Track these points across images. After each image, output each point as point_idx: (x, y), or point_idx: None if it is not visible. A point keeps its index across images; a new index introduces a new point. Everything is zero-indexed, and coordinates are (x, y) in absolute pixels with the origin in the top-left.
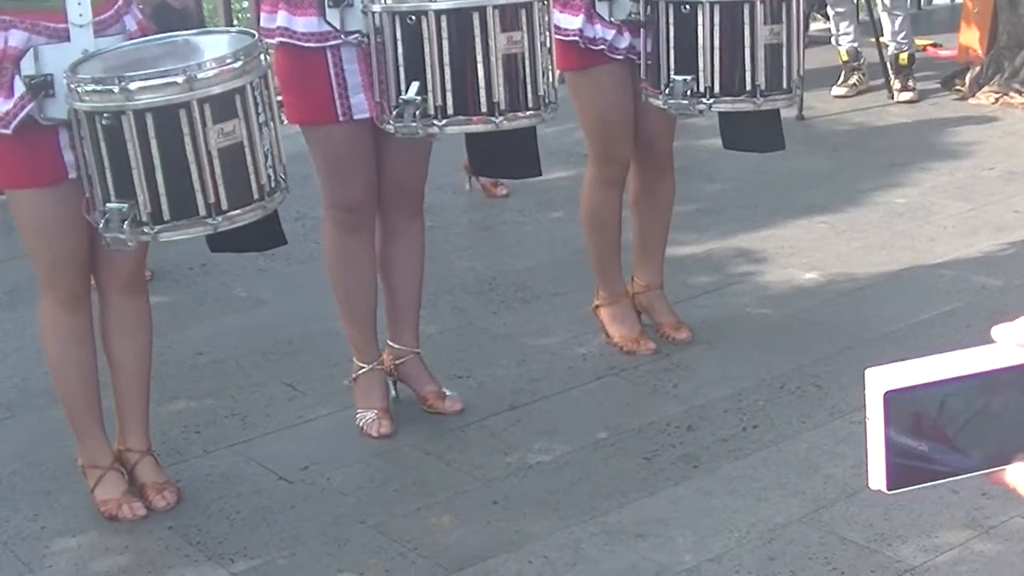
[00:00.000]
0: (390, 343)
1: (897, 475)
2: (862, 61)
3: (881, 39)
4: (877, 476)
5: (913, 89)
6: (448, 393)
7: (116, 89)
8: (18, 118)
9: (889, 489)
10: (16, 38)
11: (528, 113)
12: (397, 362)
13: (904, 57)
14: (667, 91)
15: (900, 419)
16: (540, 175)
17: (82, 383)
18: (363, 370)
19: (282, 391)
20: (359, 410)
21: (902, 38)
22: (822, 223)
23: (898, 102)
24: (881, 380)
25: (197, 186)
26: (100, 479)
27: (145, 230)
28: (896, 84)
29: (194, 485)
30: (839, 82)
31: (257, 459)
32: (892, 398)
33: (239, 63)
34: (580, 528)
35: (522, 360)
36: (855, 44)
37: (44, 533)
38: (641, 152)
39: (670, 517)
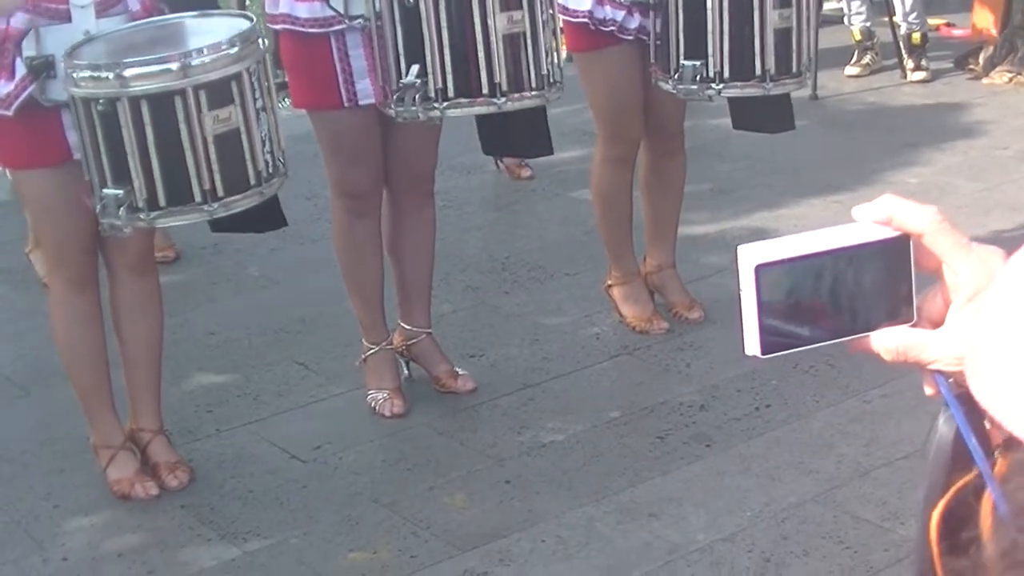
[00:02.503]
0: (401, 323)
1: (769, 342)
2: (875, 40)
3: (894, 18)
4: (752, 343)
5: (926, 69)
6: (461, 372)
7: (111, 76)
8: (19, 100)
9: (763, 354)
10: (18, 19)
11: (532, 93)
12: (409, 342)
13: (917, 36)
14: (676, 76)
15: (770, 290)
16: (552, 153)
17: (91, 363)
18: (372, 351)
19: (295, 370)
20: (370, 390)
21: (914, 18)
22: (835, 202)
23: (911, 81)
24: (752, 255)
25: (192, 173)
26: (112, 459)
27: (141, 216)
28: (909, 64)
29: (207, 464)
30: (852, 61)
31: (270, 438)
32: (762, 271)
33: (235, 49)
34: (593, 507)
35: (535, 339)
36: (868, 23)
37: (57, 512)
38: (652, 132)
39: (683, 496)
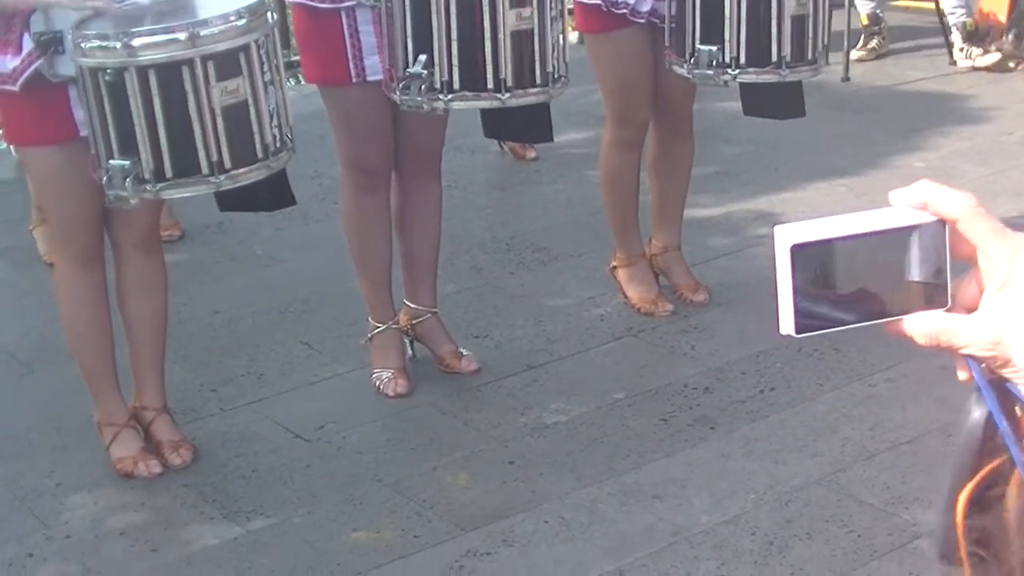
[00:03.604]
0: (407, 303)
1: (803, 322)
2: (882, 25)
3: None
4: (786, 322)
5: (994, 51)
6: (465, 353)
7: (119, 45)
8: (25, 75)
9: (797, 333)
10: None
11: (535, 90)
12: (414, 322)
13: (971, 23)
14: (692, 60)
15: (805, 270)
16: (551, 140)
17: (96, 341)
18: (379, 329)
19: (299, 350)
20: (375, 369)
21: (957, 5)
22: (841, 185)
23: (976, 68)
24: (788, 235)
25: (200, 144)
26: (116, 436)
27: (147, 188)
28: (975, 50)
29: (210, 443)
30: (858, 46)
31: (273, 417)
32: (798, 251)
33: (243, 21)
34: (596, 488)
35: (539, 320)
36: (876, 8)
37: (60, 490)
38: (660, 114)
39: (687, 478)
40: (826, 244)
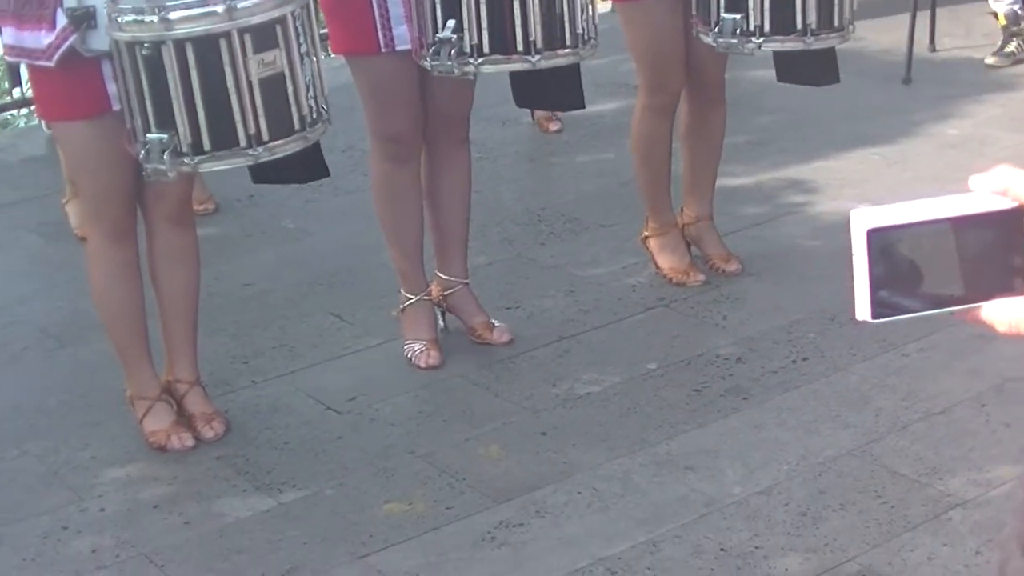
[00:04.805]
0: (438, 274)
1: (880, 308)
2: (1022, 25)
3: None
4: (862, 308)
5: None
6: (496, 324)
7: (155, 19)
8: (60, 50)
9: (873, 319)
10: None
11: (565, 51)
12: (445, 293)
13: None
14: (717, 29)
15: (882, 255)
16: (584, 107)
17: (128, 315)
18: (411, 301)
19: (330, 322)
20: (407, 341)
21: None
22: (874, 154)
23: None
24: (865, 219)
25: (237, 117)
26: (148, 410)
27: (185, 161)
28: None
29: (242, 416)
30: (995, 50)
31: (305, 390)
32: (874, 236)
33: None
34: (629, 459)
35: (571, 291)
36: (1015, 6)
37: (93, 463)
38: (692, 82)
39: (719, 449)
40: (903, 229)
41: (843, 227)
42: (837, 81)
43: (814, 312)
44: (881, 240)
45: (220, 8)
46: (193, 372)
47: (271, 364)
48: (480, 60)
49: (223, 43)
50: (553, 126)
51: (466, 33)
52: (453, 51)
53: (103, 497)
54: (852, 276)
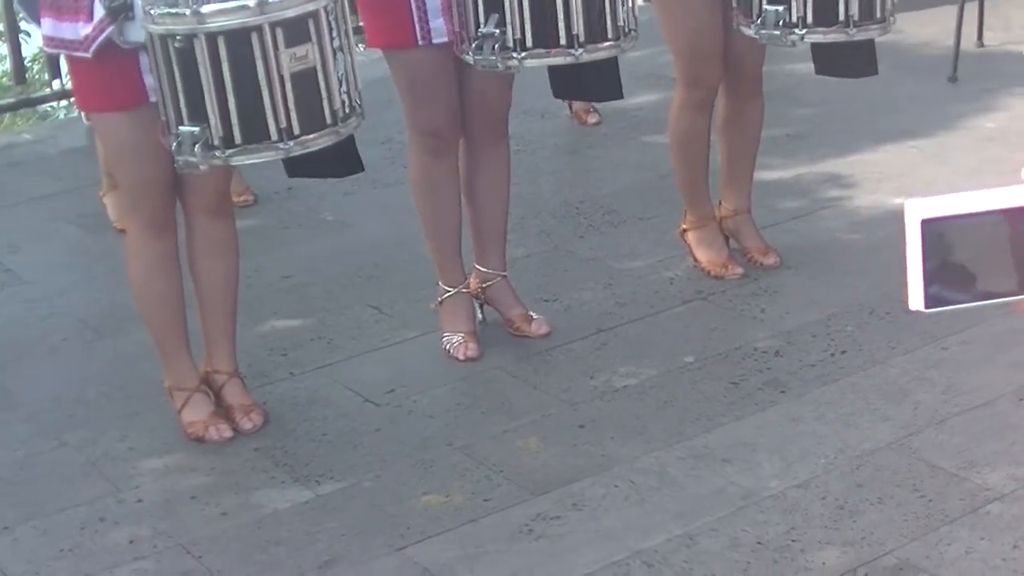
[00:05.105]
0: (476, 266)
1: (933, 298)
2: None
3: None
4: (916, 298)
5: None
6: (535, 316)
7: (188, 12)
8: (97, 42)
9: (926, 308)
10: None
11: (607, 44)
12: (484, 285)
13: None
14: (759, 21)
15: (935, 246)
16: (622, 98)
17: (166, 307)
18: (449, 293)
19: (368, 314)
20: (445, 333)
21: None
22: (912, 148)
23: None
24: (919, 209)
25: (269, 110)
26: (187, 401)
27: (216, 154)
28: None
29: (280, 407)
30: None
31: (343, 382)
32: (928, 226)
33: None
34: (666, 452)
35: (609, 284)
36: None
37: (131, 454)
38: (730, 75)
39: (757, 442)
40: (957, 220)
41: (881, 221)
42: (875, 73)
43: (852, 305)
44: (935, 231)
45: (252, 2)
46: (232, 363)
47: (309, 356)
48: (523, 54)
49: (255, 37)
50: (592, 119)
51: (509, 28)
52: (496, 46)
53: (141, 488)
54: (891, 270)
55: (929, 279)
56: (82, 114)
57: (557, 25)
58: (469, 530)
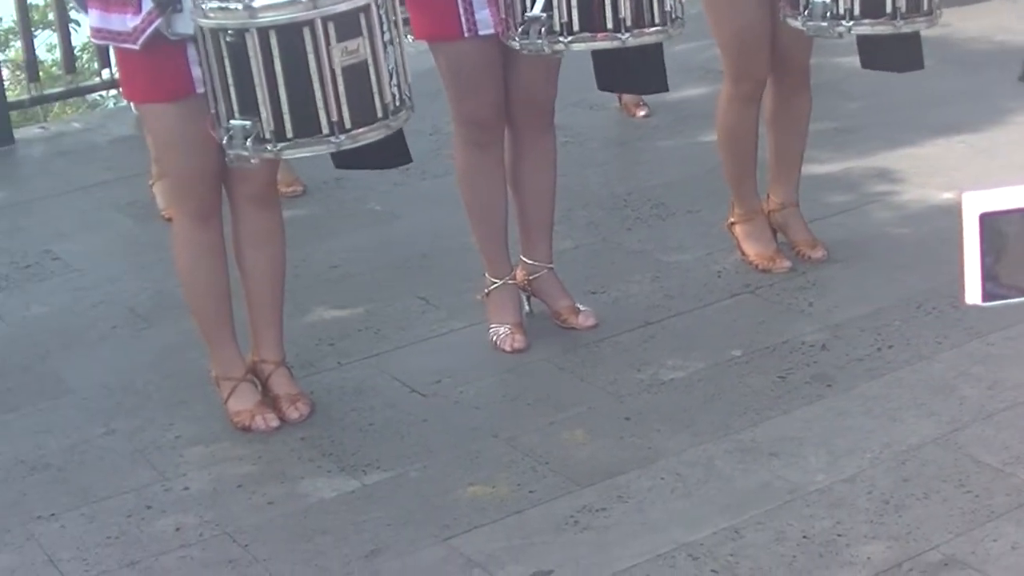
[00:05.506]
0: (523, 258)
1: (991, 291)
2: None
3: None
4: (973, 291)
5: None
6: (582, 308)
7: (240, 6)
8: (146, 34)
9: (984, 302)
10: None
11: (654, 29)
12: (531, 277)
13: None
14: (806, 12)
15: (994, 239)
16: (667, 90)
17: (213, 296)
18: (495, 285)
19: (416, 305)
20: (492, 325)
21: None
22: (960, 142)
23: None
24: (977, 203)
25: (320, 104)
26: (233, 390)
27: (268, 147)
28: None
29: (327, 397)
30: None
31: (390, 372)
32: (987, 220)
33: None
34: (713, 445)
35: (656, 276)
36: None
37: (178, 442)
38: (778, 68)
39: (803, 436)
40: (1016, 214)
41: (930, 215)
42: (921, 67)
43: (900, 300)
44: (993, 224)
45: None
46: (278, 353)
47: (356, 346)
48: (570, 38)
49: (307, 32)
50: (640, 111)
51: (555, 11)
52: (543, 30)
53: (187, 476)
54: (938, 264)
55: (987, 273)
56: (131, 103)
57: (604, 9)
58: (514, 521)
